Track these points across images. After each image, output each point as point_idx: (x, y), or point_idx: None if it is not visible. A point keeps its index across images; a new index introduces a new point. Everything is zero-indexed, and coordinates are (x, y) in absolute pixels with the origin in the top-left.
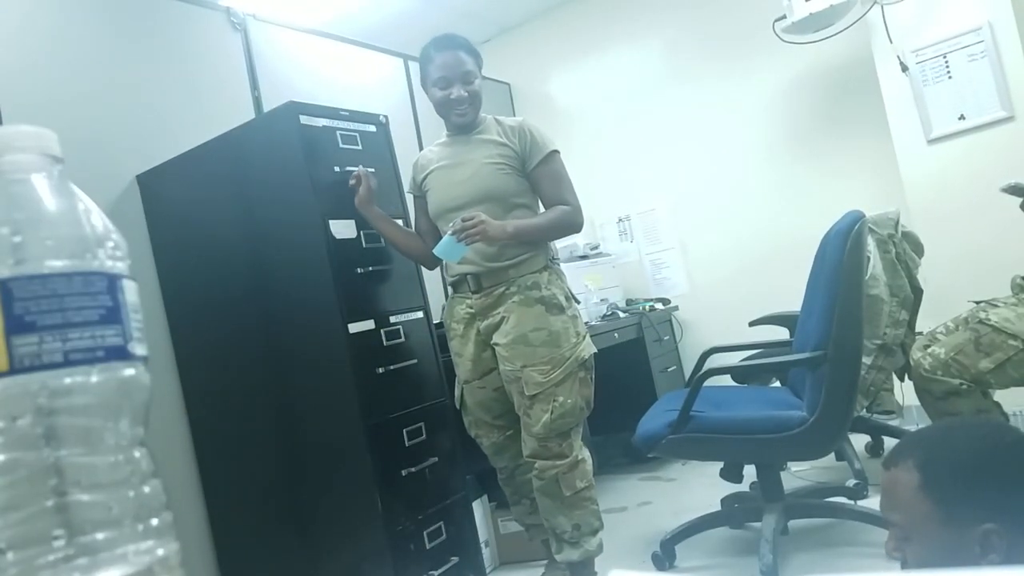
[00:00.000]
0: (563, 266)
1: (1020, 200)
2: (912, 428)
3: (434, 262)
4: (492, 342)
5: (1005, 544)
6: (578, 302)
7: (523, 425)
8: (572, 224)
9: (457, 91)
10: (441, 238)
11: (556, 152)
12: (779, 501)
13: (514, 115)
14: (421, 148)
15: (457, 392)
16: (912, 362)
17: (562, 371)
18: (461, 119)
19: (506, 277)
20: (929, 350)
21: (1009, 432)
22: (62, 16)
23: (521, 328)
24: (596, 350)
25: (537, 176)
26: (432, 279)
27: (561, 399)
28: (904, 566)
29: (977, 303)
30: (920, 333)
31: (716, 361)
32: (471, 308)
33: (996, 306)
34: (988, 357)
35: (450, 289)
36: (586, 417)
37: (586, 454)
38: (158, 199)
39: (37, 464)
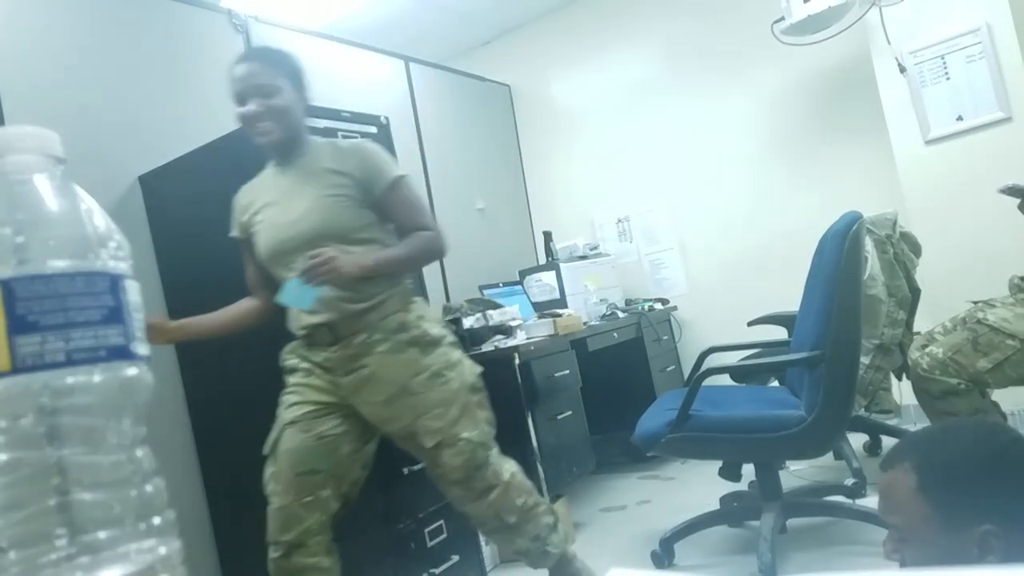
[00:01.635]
0: (563, 266)
1: (1018, 201)
2: (910, 427)
3: (269, 316)
4: (360, 401)
5: (1003, 545)
6: (458, 325)
7: (437, 478)
8: (436, 250)
9: (252, 106)
10: (279, 285)
11: (405, 176)
12: (777, 500)
13: (514, 117)
14: (423, 149)
15: (272, 436)
16: (910, 362)
17: (457, 406)
18: (264, 139)
19: (367, 322)
20: (927, 350)
21: (1006, 433)
22: (65, 18)
23: (398, 380)
24: (481, 369)
25: (387, 205)
26: (432, 279)
27: (466, 436)
28: (903, 567)
29: (975, 303)
30: (918, 333)
31: (715, 361)
32: (327, 363)
33: (994, 306)
34: (986, 357)
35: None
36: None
37: (510, 465)
38: (160, 200)
39: (39, 463)
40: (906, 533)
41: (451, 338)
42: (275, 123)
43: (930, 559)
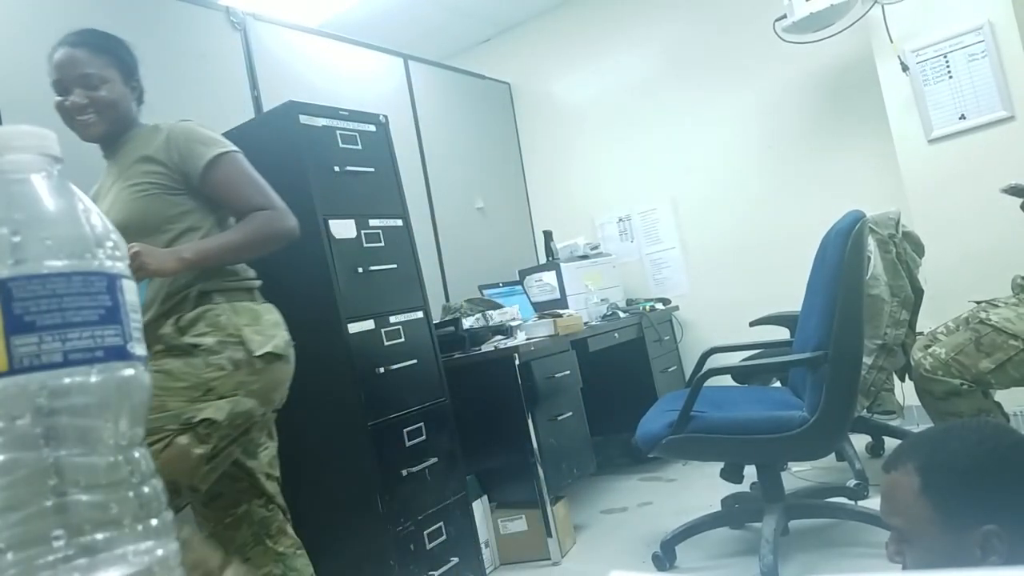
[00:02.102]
0: (564, 266)
1: (1021, 200)
2: (913, 428)
3: None
4: None
5: (1006, 547)
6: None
7: None
8: (277, 232)
9: (75, 98)
10: None
11: (227, 153)
12: (779, 501)
13: (514, 116)
14: (422, 148)
15: None
16: (913, 362)
17: (158, 438)
18: (85, 131)
19: (155, 333)
20: (930, 350)
21: (1009, 435)
22: (61, 16)
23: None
24: (230, 412)
25: (210, 188)
26: (432, 279)
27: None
28: (905, 569)
29: (978, 303)
30: (921, 333)
31: (716, 361)
32: None
33: (997, 306)
34: (989, 357)
35: None
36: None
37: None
38: None
39: (37, 464)
40: (908, 535)
41: (233, 357)
42: (99, 116)
43: (932, 561)
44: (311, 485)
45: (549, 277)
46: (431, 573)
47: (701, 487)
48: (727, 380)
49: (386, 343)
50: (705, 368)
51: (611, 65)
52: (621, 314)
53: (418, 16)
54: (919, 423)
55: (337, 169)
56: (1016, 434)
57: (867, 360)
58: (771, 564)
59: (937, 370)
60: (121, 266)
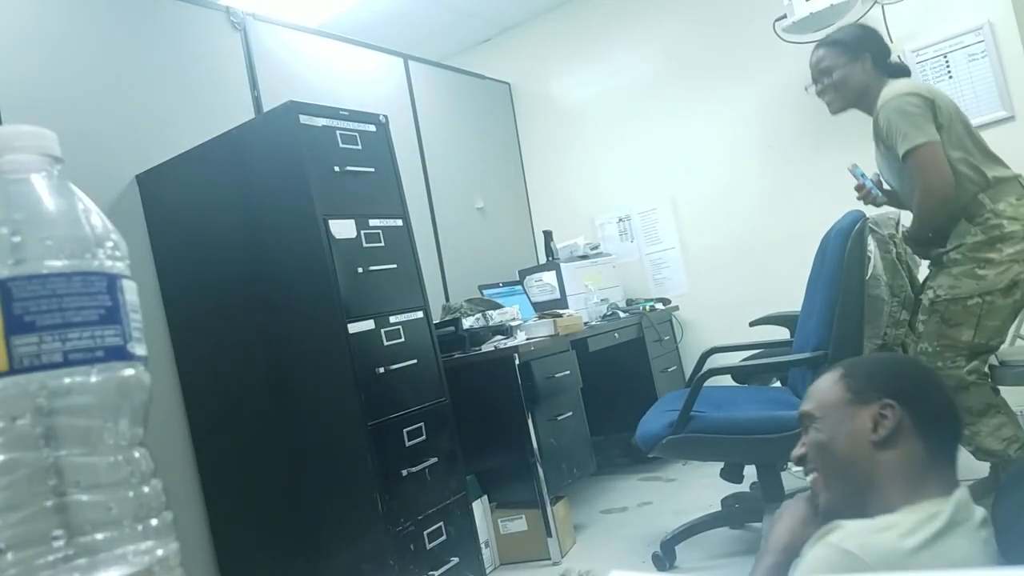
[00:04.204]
0: (564, 266)
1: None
2: None
3: None
4: None
5: (894, 423)
6: None
7: None
8: None
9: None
10: None
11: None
12: (779, 501)
13: (514, 115)
14: (422, 148)
15: None
16: None
17: None
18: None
19: None
20: (920, 347)
21: (918, 362)
22: (61, 16)
23: None
24: None
25: None
26: (432, 279)
27: None
28: (804, 465)
29: (922, 287)
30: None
31: (716, 361)
32: None
33: (935, 281)
34: (962, 326)
35: None
36: None
37: None
38: (158, 199)
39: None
40: (816, 417)
41: None
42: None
43: (830, 435)
44: (311, 485)
45: (549, 277)
46: (431, 573)
47: (701, 487)
48: (727, 380)
49: (386, 343)
50: (705, 368)
51: (611, 65)
52: (621, 314)
53: (418, 16)
54: None
55: (337, 169)
56: (928, 368)
57: None
58: None
59: (935, 362)
60: (121, 266)
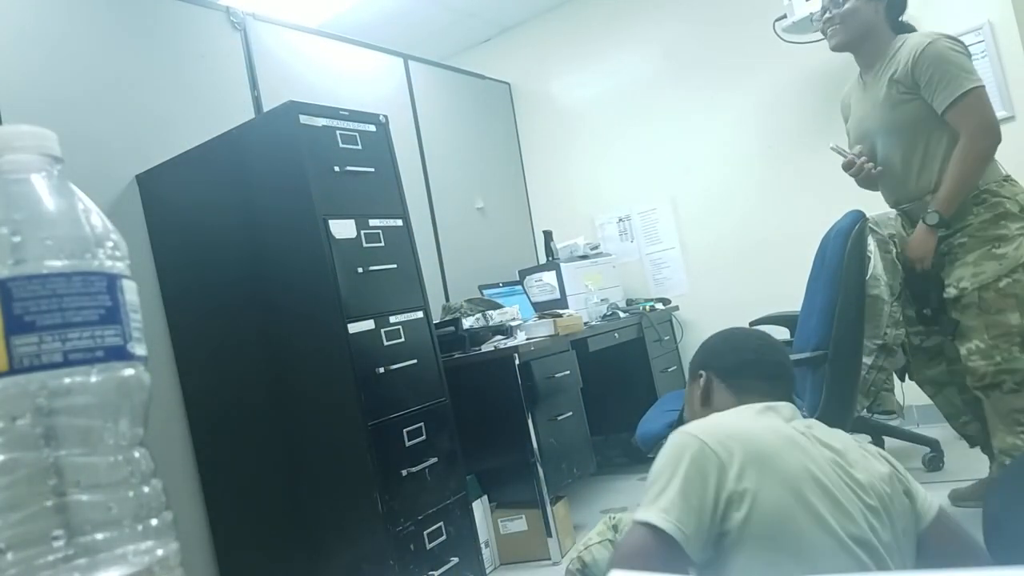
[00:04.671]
0: (564, 266)
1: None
2: (913, 428)
3: None
4: None
5: (704, 385)
6: None
7: None
8: None
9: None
10: None
11: None
12: None
13: (514, 115)
14: (422, 148)
15: None
16: (969, 380)
17: None
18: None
19: None
20: (968, 347)
21: (749, 332)
22: (62, 16)
23: None
24: None
25: None
26: (432, 279)
27: None
28: None
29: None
30: None
31: None
32: None
33: (952, 275)
34: (1006, 311)
35: None
36: None
37: None
38: (158, 199)
39: (37, 464)
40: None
41: None
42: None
43: (687, 407)
44: (311, 485)
45: (549, 277)
46: (431, 573)
47: None
48: None
49: (386, 343)
50: None
51: (611, 65)
52: (621, 314)
53: (418, 16)
54: (919, 423)
55: (337, 169)
56: (758, 333)
57: (867, 360)
58: None
59: (993, 357)
60: (121, 266)
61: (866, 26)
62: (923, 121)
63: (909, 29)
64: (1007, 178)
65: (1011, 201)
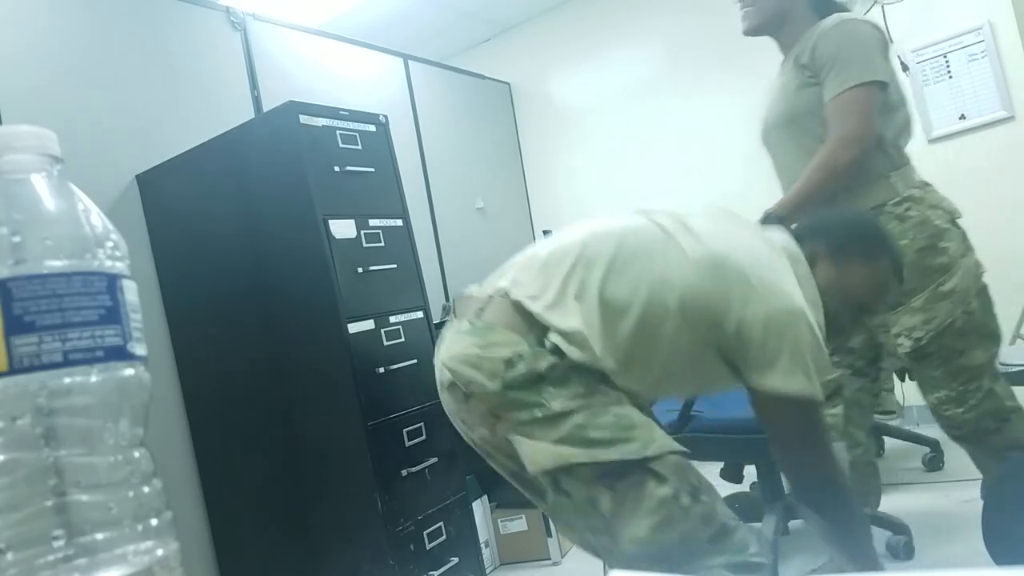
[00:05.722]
0: None
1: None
2: (912, 428)
3: None
4: None
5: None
6: None
7: None
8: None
9: None
10: None
11: None
12: (779, 501)
13: (514, 116)
14: (422, 148)
15: None
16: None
17: None
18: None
19: None
20: (936, 397)
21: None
22: (62, 16)
23: None
24: None
25: None
26: (432, 279)
27: None
28: None
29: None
30: None
31: None
32: None
33: (897, 324)
34: (968, 351)
35: None
36: None
37: None
38: (158, 199)
39: (37, 464)
40: None
41: None
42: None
43: None
44: (311, 485)
45: None
46: (431, 573)
47: None
48: None
49: (386, 343)
50: None
51: (611, 65)
52: None
53: (418, 16)
54: (919, 423)
55: (337, 169)
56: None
57: None
58: (771, 564)
59: (967, 401)
60: (121, 266)
61: (782, 8)
62: (822, 110)
63: (841, 10)
64: (924, 183)
65: (936, 211)
